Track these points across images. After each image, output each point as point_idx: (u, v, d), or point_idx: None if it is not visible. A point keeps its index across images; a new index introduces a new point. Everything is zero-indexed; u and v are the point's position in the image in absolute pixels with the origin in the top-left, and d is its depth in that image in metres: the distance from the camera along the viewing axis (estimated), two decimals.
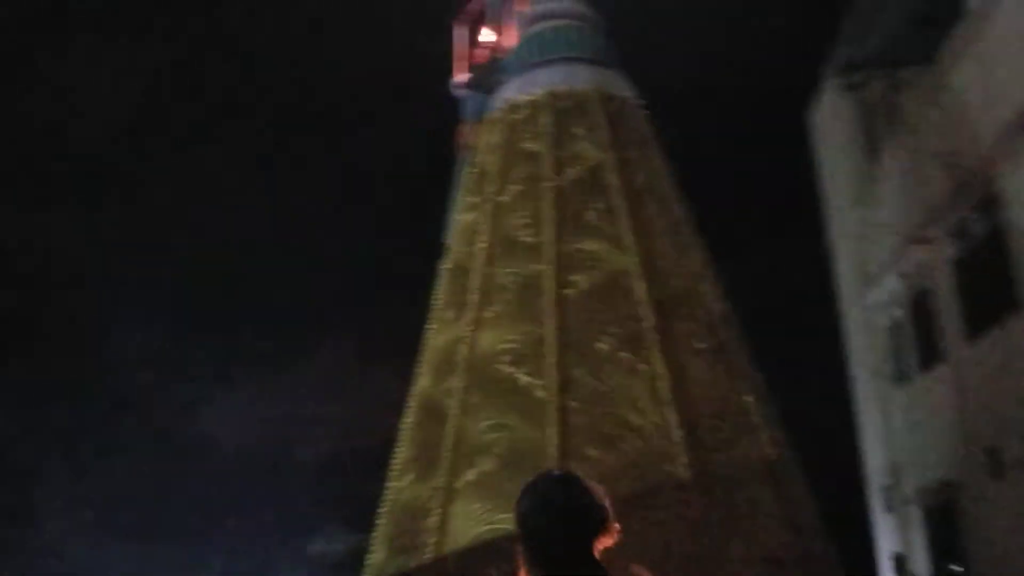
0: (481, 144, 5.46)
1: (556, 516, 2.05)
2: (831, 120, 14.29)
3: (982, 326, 9.79)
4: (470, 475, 4.25)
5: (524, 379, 4.36)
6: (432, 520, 4.24)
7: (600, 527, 2.05)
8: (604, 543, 2.18)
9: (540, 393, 4.29)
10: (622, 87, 5.49)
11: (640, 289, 4.52)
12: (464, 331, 4.68)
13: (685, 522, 3.94)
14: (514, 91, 5.39)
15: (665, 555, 3.86)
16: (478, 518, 4.12)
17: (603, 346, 4.36)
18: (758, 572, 3.92)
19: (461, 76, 6.71)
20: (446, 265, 5.22)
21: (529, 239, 4.76)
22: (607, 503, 2.18)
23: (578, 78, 5.34)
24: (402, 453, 4.73)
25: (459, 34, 6.97)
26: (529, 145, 5.08)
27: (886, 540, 11.33)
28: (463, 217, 5.26)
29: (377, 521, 4.68)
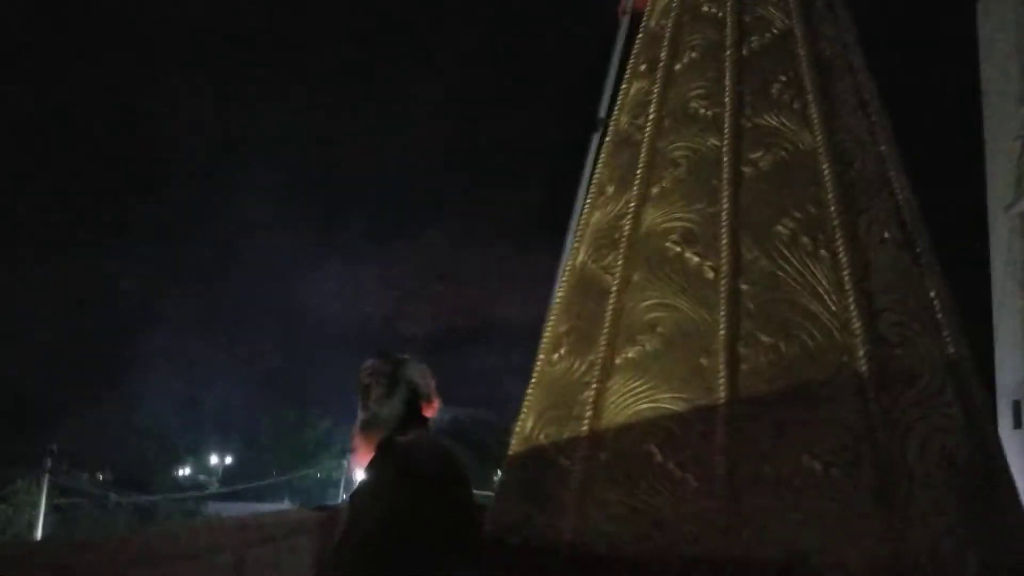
0: (654, 7, 5.11)
1: (407, 387, 2.95)
2: (1001, 12, 13.18)
3: None
4: (631, 352, 4.12)
5: (693, 259, 4.15)
6: (588, 394, 4.15)
7: (426, 397, 2.98)
8: (428, 410, 3.02)
9: (710, 274, 4.08)
10: None
11: (826, 170, 4.20)
12: (627, 206, 4.47)
13: (862, 417, 3.73)
14: None
15: (839, 449, 3.69)
16: (638, 395, 4.01)
17: (783, 229, 4.09)
18: (934, 472, 3.71)
19: None
20: (608, 137, 4.98)
21: (705, 111, 4.45)
22: (431, 383, 3.05)
23: None
24: (555, 326, 4.62)
25: None
26: (709, 8, 4.71)
27: (1013, 457, 10.95)
28: (630, 86, 4.97)
29: (527, 392, 4.63)
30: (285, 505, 41.45)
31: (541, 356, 4.62)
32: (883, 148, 4.46)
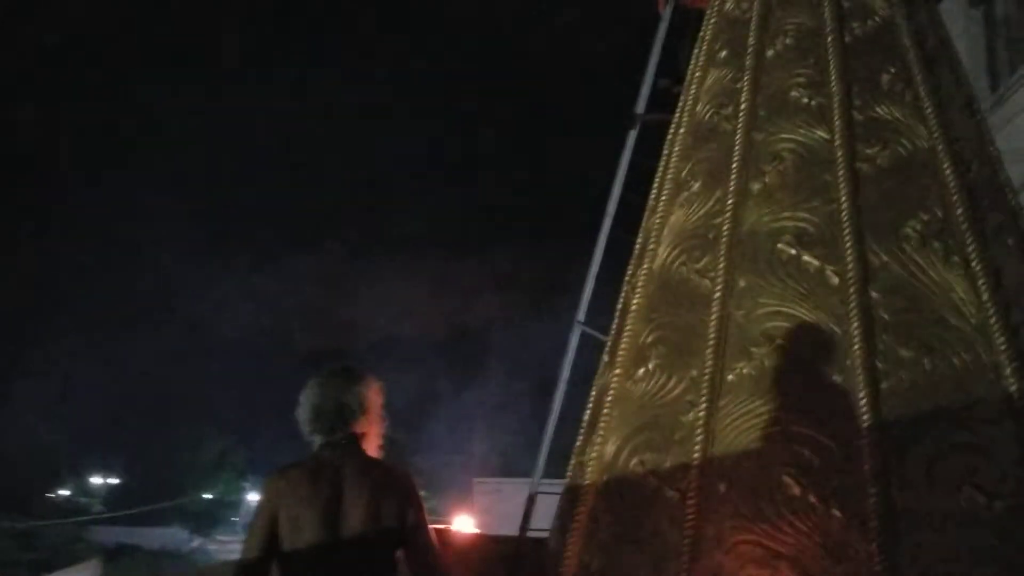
0: None
1: (318, 407, 2.95)
2: (947, 22, 13.29)
3: None
4: (745, 368, 3.62)
5: (813, 262, 3.70)
6: (694, 415, 3.63)
7: (352, 415, 2.95)
8: (361, 426, 2.98)
9: (835, 280, 3.64)
10: None
11: (947, 170, 3.82)
12: (723, 204, 3.99)
13: (1018, 444, 3.33)
14: None
15: (1000, 479, 3.27)
16: (761, 417, 3.51)
17: (910, 232, 3.69)
18: None
19: None
20: (680, 130, 4.49)
21: (809, 101, 4.02)
22: (367, 396, 3.04)
23: None
24: (634, 336, 4.08)
25: None
26: None
27: None
28: (705, 74, 4.50)
29: (600, 412, 4.07)
30: (175, 531, 39.31)
31: (618, 371, 4.07)
32: (992, 150, 4.13)
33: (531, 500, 5.62)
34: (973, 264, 3.64)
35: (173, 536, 38.61)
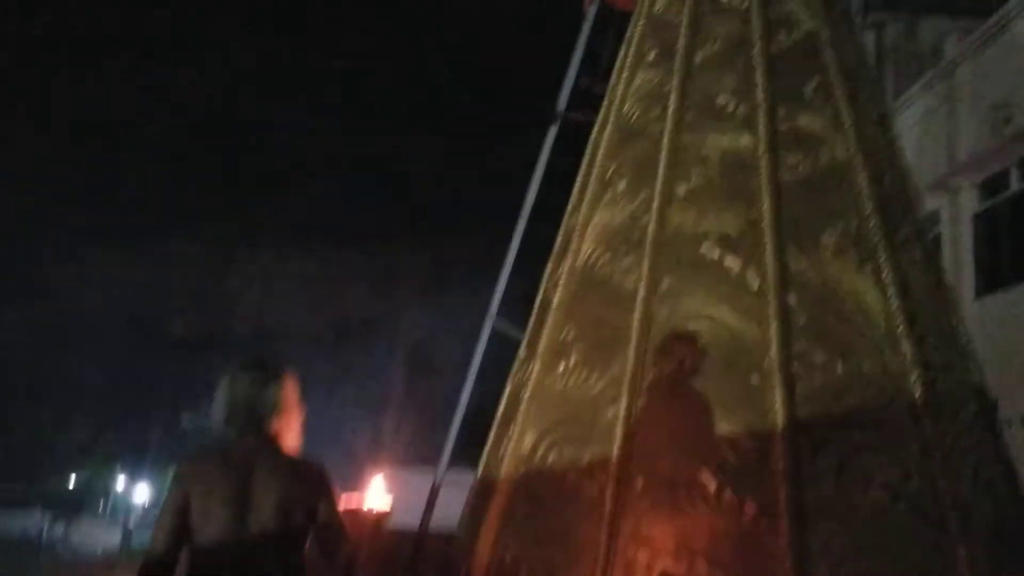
0: None
1: (231, 406, 2.80)
2: None
3: (997, 283, 9.72)
4: (665, 366, 3.68)
5: (735, 266, 3.78)
6: (614, 411, 3.66)
7: (267, 415, 2.80)
8: (276, 426, 2.82)
9: (756, 284, 3.73)
10: None
11: (863, 182, 3.97)
12: (648, 205, 4.04)
13: (919, 447, 3.50)
14: None
15: (902, 480, 3.43)
16: (679, 414, 3.57)
17: (828, 240, 3.81)
18: (986, 506, 3.54)
19: None
20: (606, 129, 4.51)
21: (735, 108, 4.11)
22: (281, 396, 2.85)
23: None
24: (554, 331, 4.09)
25: None
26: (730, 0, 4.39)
27: None
28: (632, 75, 4.54)
29: (517, 405, 4.06)
30: (34, 516, 37.25)
31: (537, 365, 4.07)
32: (902, 164, 4.31)
33: (434, 492, 5.57)
34: (884, 274, 3.79)
35: (32, 521, 36.53)
